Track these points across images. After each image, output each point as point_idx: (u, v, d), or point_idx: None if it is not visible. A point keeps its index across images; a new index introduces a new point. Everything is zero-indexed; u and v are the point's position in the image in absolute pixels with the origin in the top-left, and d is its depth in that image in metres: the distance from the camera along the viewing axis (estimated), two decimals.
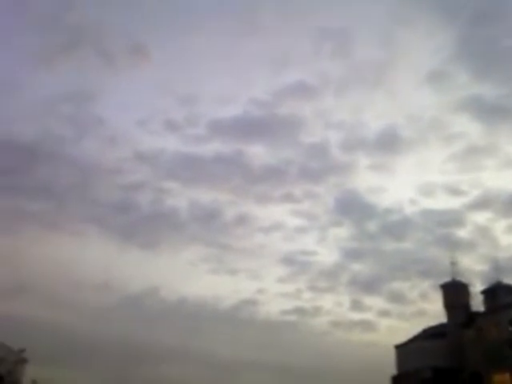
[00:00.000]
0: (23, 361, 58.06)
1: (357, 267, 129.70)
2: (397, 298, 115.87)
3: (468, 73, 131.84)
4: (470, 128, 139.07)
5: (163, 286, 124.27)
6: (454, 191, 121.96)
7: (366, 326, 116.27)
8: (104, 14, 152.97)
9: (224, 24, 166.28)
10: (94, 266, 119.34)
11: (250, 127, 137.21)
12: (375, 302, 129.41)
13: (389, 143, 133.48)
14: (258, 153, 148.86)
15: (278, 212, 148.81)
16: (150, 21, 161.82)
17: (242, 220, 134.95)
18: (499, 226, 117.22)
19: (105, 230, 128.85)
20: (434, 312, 73.41)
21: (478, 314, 64.05)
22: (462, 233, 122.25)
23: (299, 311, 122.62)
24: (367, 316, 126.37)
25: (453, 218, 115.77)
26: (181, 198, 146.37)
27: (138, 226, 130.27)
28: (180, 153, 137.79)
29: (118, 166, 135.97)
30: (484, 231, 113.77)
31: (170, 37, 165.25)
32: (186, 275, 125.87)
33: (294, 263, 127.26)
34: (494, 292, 64.24)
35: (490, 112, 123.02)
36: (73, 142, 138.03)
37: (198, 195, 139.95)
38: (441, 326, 66.43)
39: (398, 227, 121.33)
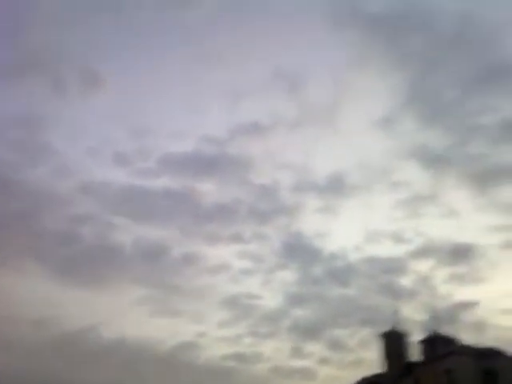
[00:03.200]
0: None
1: (299, 312, 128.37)
2: (337, 345, 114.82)
3: (416, 121, 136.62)
4: (415, 176, 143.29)
5: (103, 325, 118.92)
6: (398, 239, 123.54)
7: (306, 373, 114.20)
8: (58, 39, 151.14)
9: (181, 58, 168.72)
10: (31, 301, 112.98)
11: (202, 164, 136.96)
12: (316, 348, 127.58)
13: (337, 187, 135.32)
14: (208, 190, 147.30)
15: (225, 252, 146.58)
16: (107, 49, 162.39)
17: (188, 259, 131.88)
18: (439, 275, 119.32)
19: (45, 264, 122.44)
20: (373, 361, 73.39)
21: (415, 364, 64.75)
22: (404, 281, 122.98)
23: (239, 357, 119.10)
24: (307, 363, 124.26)
25: (396, 266, 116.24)
26: (127, 233, 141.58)
27: (81, 260, 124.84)
28: (129, 186, 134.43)
29: (64, 197, 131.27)
30: (425, 280, 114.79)
31: (126, 67, 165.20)
32: (128, 315, 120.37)
33: (237, 306, 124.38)
34: (431, 342, 65.30)
35: (435, 161, 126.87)
36: (19, 169, 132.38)
37: (145, 232, 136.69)
38: (378, 376, 66.58)
39: (342, 273, 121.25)
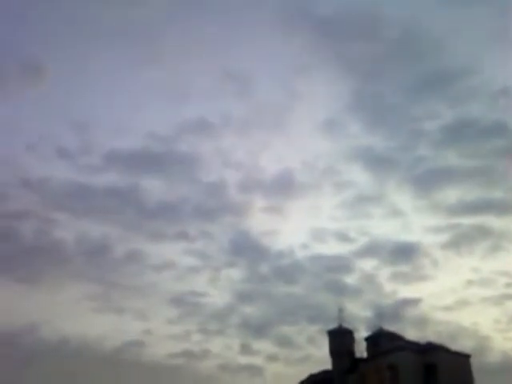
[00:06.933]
0: None
1: (248, 310, 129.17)
2: (285, 342, 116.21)
3: (360, 124, 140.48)
4: (359, 177, 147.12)
5: (43, 324, 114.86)
6: (344, 238, 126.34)
7: (254, 370, 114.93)
8: None
9: (127, 55, 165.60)
10: None
11: (148, 161, 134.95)
12: (264, 345, 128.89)
13: (284, 187, 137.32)
14: (154, 188, 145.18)
15: (170, 250, 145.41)
16: (50, 41, 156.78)
17: (132, 256, 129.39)
18: (383, 274, 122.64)
19: None
20: (321, 357, 74.95)
21: (361, 360, 66.64)
22: (350, 279, 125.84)
23: (187, 354, 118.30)
24: (255, 360, 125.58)
25: (341, 265, 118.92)
26: (69, 230, 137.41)
27: (18, 257, 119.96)
28: (71, 182, 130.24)
29: (1, 192, 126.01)
30: (370, 278, 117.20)
31: (70, 60, 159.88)
32: (70, 313, 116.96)
33: (185, 304, 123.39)
34: (376, 339, 67.48)
35: (378, 163, 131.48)
36: None
37: (88, 228, 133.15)
38: (326, 372, 67.97)
39: (289, 271, 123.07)
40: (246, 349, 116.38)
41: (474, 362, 62.99)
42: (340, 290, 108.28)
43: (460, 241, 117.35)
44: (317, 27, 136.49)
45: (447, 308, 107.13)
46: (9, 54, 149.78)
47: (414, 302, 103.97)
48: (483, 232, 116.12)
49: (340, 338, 68.42)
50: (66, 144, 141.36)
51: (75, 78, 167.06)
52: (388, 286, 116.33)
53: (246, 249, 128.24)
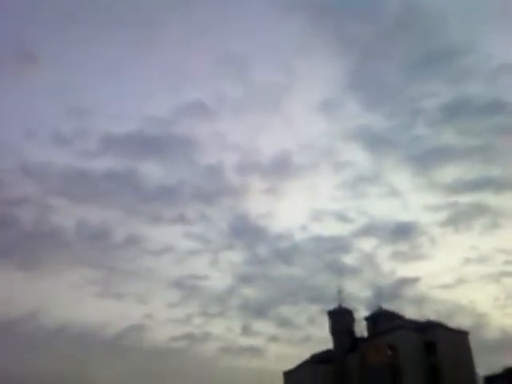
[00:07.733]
0: None
1: (248, 292, 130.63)
2: (285, 322, 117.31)
3: (358, 104, 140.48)
4: (358, 157, 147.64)
5: (44, 310, 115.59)
6: (342, 218, 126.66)
7: (255, 351, 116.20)
8: None
9: (122, 37, 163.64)
10: None
11: (145, 144, 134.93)
12: (265, 327, 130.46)
13: (282, 168, 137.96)
14: (152, 171, 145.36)
15: (169, 233, 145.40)
16: (45, 27, 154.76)
17: (131, 241, 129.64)
18: (382, 253, 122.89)
19: None
20: (322, 337, 75.78)
21: (361, 339, 67.47)
22: (349, 259, 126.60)
23: (188, 337, 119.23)
24: (257, 341, 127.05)
25: (341, 245, 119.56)
26: (68, 215, 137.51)
27: (18, 244, 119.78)
28: (69, 167, 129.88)
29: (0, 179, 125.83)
30: (369, 258, 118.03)
31: (64, 46, 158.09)
32: (70, 299, 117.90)
33: (185, 287, 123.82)
34: (375, 318, 68.25)
35: (377, 143, 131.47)
36: None
37: (87, 213, 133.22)
38: (327, 352, 68.82)
39: (288, 252, 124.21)
40: (247, 330, 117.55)
41: (472, 338, 63.89)
42: (339, 270, 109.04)
43: (458, 219, 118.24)
44: (314, 9, 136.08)
45: (445, 286, 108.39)
46: (4, 43, 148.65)
47: (413, 280, 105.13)
48: (481, 210, 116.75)
49: (340, 318, 69.10)
50: (63, 130, 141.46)
51: (71, 64, 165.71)
52: (387, 266, 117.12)
53: (245, 231, 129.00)
